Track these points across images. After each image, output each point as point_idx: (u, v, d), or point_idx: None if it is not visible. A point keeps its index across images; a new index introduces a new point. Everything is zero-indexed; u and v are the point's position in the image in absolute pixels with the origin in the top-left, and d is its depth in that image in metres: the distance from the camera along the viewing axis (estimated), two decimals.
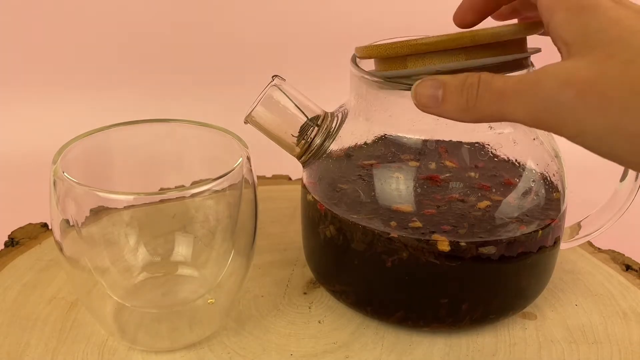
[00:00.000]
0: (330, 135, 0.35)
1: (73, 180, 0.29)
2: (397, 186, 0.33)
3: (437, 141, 0.34)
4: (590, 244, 0.45)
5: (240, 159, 0.32)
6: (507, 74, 0.30)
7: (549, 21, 0.25)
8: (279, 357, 0.33)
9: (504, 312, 0.35)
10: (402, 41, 0.29)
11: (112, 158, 0.36)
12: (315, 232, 0.36)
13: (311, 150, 0.35)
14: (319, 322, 0.36)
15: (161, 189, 0.36)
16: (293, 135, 0.35)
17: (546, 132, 0.34)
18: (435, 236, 0.31)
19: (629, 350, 0.34)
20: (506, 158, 0.34)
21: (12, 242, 0.43)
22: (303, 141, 0.35)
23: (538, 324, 0.37)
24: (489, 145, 0.34)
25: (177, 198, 0.31)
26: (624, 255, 0.44)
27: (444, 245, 0.31)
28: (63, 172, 0.30)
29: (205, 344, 0.34)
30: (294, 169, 0.46)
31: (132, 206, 0.31)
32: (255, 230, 0.34)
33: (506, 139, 0.34)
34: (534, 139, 0.35)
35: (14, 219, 0.46)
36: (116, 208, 0.31)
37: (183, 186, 0.36)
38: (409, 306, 0.34)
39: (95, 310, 0.34)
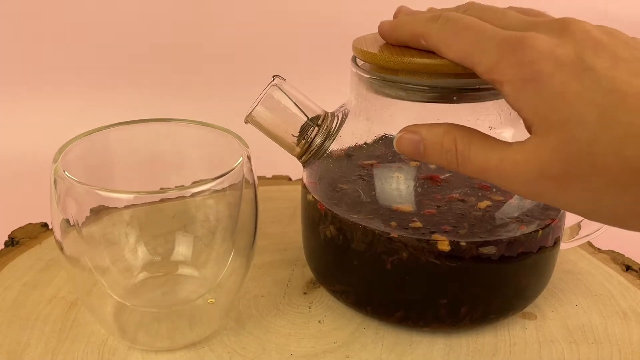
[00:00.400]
0: (330, 135, 0.35)
1: (74, 179, 0.29)
2: (397, 186, 0.33)
3: None
4: (590, 244, 0.45)
5: (241, 158, 0.32)
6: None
7: (500, 92, 0.25)
8: (279, 357, 0.33)
9: (504, 312, 0.35)
10: (396, 58, 0.29)
11: (112, 158, 0.36)
12: (315, 232, 0.36)
13: (311, 150, 0.35)
14: (319, 322, 0.36)
15: (161, 189, 0.36)
16: (293, 135, 0.35)
17: None
18: (436, 236, 0.31)
19: (629, 350, 0.34)
20: None
21: (12, 242, 0.43)
22: (303, 141, 0.35)
23: (538, 324, 0.37)
24: None
25: (177, 197, 0.31)
26: (624, 255, 0.44)
27: (444, 245, 0.31)
28: (64, 171, 0.30)
29: (205, 343, 0.34)
30: (294, 169, 0.46)
31: (133, 205, 0.31)
32: (256, 230, 0.34)
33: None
34: None
35: (14, 219, 0.46)
36: (116, 207, 0.31)
37: (183, 186, 0.36)
38: (409, 306, 0.34)
39: (95, 309, 0.34)
